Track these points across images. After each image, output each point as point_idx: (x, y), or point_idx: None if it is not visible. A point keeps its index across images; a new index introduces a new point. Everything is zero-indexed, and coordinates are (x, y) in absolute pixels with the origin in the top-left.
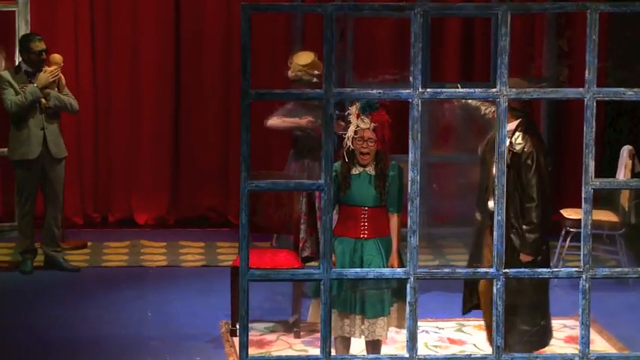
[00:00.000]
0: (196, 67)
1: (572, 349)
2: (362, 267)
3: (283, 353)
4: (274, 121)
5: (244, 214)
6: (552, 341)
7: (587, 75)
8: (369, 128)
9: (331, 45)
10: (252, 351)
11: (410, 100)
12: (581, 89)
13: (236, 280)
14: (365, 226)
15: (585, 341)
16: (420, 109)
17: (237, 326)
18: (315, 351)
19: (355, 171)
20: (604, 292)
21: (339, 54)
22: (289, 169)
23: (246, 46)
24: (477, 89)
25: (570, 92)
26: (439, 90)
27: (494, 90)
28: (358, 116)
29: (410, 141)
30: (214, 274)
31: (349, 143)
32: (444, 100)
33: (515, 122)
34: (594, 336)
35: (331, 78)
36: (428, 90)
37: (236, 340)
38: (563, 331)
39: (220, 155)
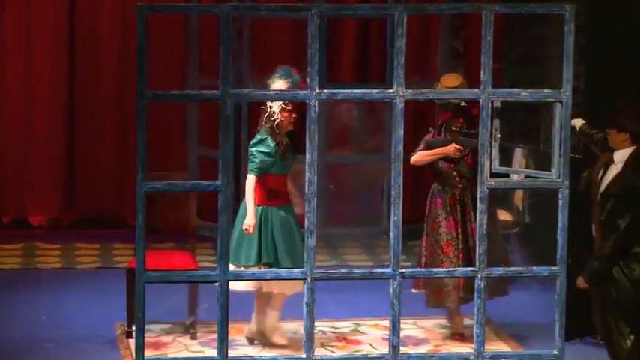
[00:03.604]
0: (91, 66)
1: (468, 348)
2: (296, 229)
3: (180, 355)
4: (419, 157)
5: (141, 215)
6: (448, 340)
7: (482, 76)
8: None
9: (228, 46)
10: (149, 353)
11: (307, 101)
12: (476, 90)
13: (132, 282)
14: (287, 192)
15: (480, 340)
16: (317, 110)
17: (133, 328)
18: (211, 352)
19: (283, 142)
20: None
21: (236, 54)
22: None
23: (142, 47)
24: (373, 90)
25: (466, 93)
26: (336, 91)
27: (391, 91)
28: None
29: (307, 142)
30: (110, 275)
31: (278, 116)
32: (341, 102)
33: (631, 149)
34: (490, 335)
35: (228, 79)
36: (325, 91)
37: (132, 341)
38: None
39: (116, 155)
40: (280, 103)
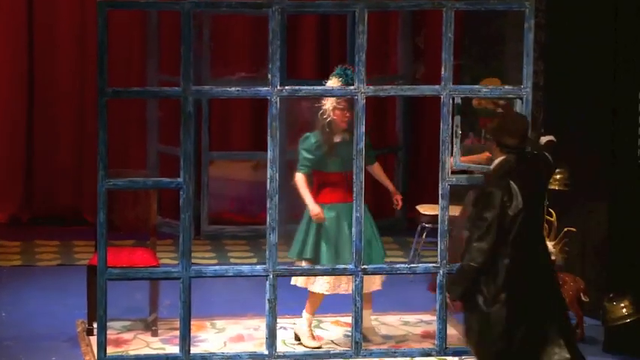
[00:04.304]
0: (50, 63)
1: (429, 344)
2: (348, 228)
3: (141, 352)
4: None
5: (102, 212)
6: (409, 336)
7: (443, 72)
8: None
9: (189, 43)
10: (110, 350)
11: (268, 97)
12: (437, 86)
13: (93, 279)
14: (350, 189)
15: (442, 335)
16: (278, 106)
17: (94, 325)
18: (173, 349)
19: (337, 139)
20: None
21: (195, 51)
22: None
23: (102, 44)
24: (335, 86)
25: (427, 89)
26: (297, 87)
27: (352, 87)
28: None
29: (268, 138)
30: (70, 273)
31: (331, 115)
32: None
33: (501, 158)
34: (450, 330)
35: (189, 76)
36: (286, 87)
37: (92, 339)
38: (420, 325)
39: (75, 152)
40: (333, 101)
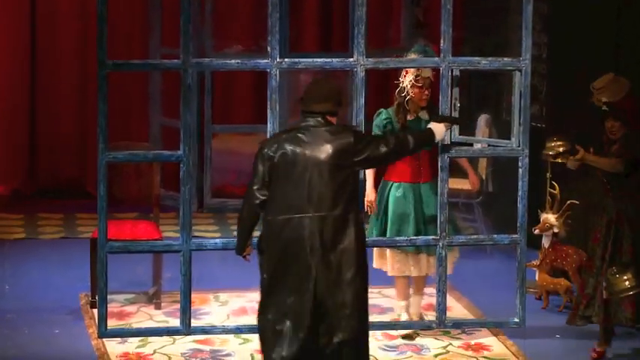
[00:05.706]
0: (52, 37)
1: (429, 317)
2: (422, 209)
3: (144, 325)
4: (569, 161)
5: (102, 185)
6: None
7: (442, 44)
8: (429, 77)
9: (188, 14)
10: (113, 323)
11: (268, 70)
12: (437, 58)
13: (96, 252)
14: (421, 169)
15: (442, 308)
16: (278, 78)
17: (97, 298)
18: (176, 322)
19: (410, 117)
20: (463, 259)
21: (198, 24)
22: None
23: (102, 16)
24: (334, 59)
25: (427, 61)
26: (297, 60)
27: (351, 60)
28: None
29: (268, 111)
30: (74, 246)
31: (409, 93)
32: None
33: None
34: (453, 303)
35: (188, 48)
36: (286, 60)
37: (96, 312)
38: (423, 298)
39: (77, 125)
40: (411, 79)
